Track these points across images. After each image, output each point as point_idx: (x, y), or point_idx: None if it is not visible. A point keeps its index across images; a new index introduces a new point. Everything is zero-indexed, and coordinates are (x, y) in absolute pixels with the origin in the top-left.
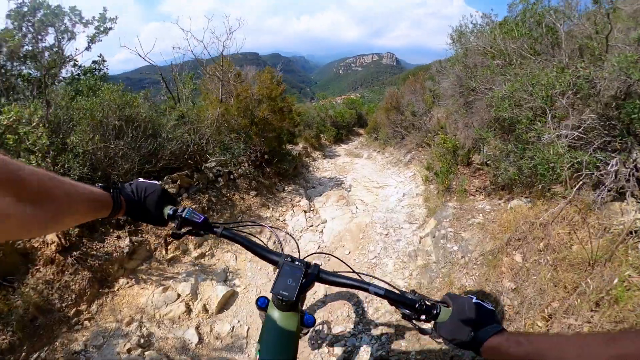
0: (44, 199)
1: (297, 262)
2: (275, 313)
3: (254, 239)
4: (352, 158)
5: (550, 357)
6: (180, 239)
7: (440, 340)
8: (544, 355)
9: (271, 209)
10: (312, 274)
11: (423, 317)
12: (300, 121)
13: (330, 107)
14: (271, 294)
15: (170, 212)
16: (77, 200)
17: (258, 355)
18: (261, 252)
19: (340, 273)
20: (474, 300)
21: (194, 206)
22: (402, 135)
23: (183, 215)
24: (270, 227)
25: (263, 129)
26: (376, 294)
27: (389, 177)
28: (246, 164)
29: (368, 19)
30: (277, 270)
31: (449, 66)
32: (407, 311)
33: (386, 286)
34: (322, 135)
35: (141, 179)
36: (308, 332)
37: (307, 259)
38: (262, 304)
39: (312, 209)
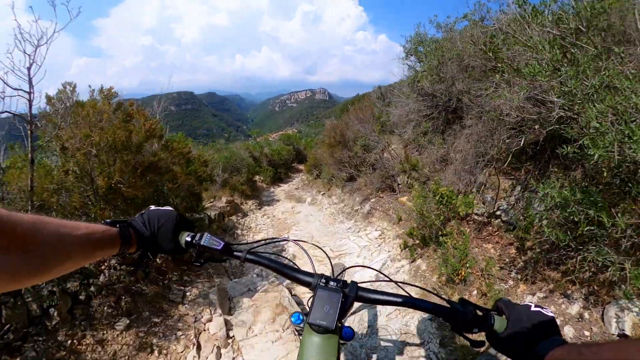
0: (31, 245)
1: (332, 283)
2: (314, 337)
3: (281, 258)
4: (293, 204)
5: None
6: (201, 267)
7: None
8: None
9: (156, 351)
10: (350, 296)
11: (475, 329)
12: (207, 174)
13: (265, 144)
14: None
15: (188, 239)
16: (71, 241)
17: None
18: (291, 273)
19: (379, 289)
20: (532, 308)
21: None
22: (353, 175)
23: (202, 243)
24: (295, 240)
25: (120, 200)
26: (424, 309)
27: (345, 237)
28: (113, 262)
29: (301, 56)
30: (312, 294)
31: (407, 85)
32: (457, 324)
33: (434, 299)
34: (258, 177)
35: (153, 207)
36: (345, 344)
37: (343, 275)
38: (297, 320)
39: (230, 339)
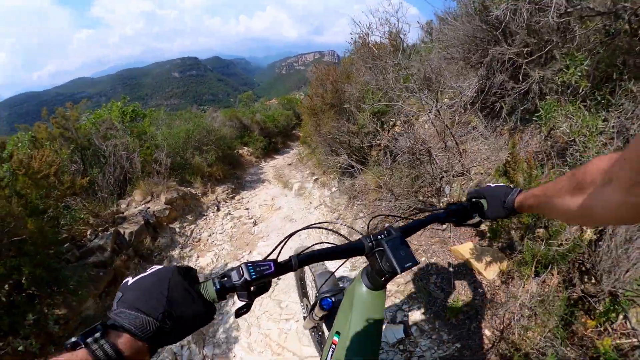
0: None
1: (383, 235)
2: (365, 293)
3: (325, 245)
4: (277, 191)
5: (543, 198)
6: (249, 310)
7: None
8: (540, 196)
9: None
10: (404, 236)
11: (474, 214)
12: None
13: (260, 109)
14: (361, 276)
15: (218, 287)
16: None
17: (337, 338)
18: (345, 250)
19: (410, 223)
20: (492, 185)
21: None
22: (354, 168)
23: (248, 279)
24: (308, 227)
25: None
26: (444, 218)
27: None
28: None
29: (308, 17)
30: (371, 253)
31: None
32: (461, 218)
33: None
34: (246, 148)
35: (131, 278)
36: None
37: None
38: (328, 305)
39: None
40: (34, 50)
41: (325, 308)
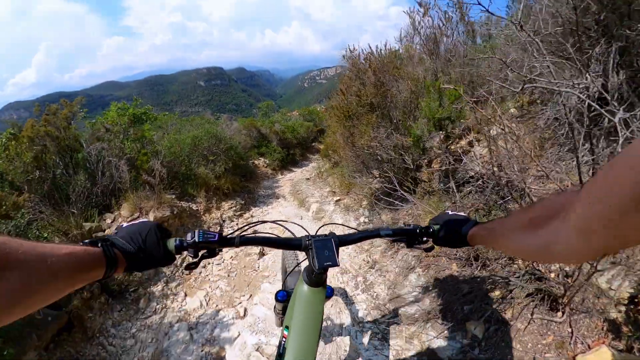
0: (6, 264)
1: (320, 236)
2: (305, 290)
3: (269, 234)
4: (291, 211)
5: (498, 232)
6: (197, 267)
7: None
8: (495, 230)
9: None
10: (337, 241)
11: (425, 238)
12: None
13: (279, 119)
14: (302, 273)
15: (177, 243)
16: (55, 260)
17: (287, 332)
18: (284, 242)
19: (350, 233)
20: (450, 213)
21: None
22: (398, 197)
23: (197, 240)
24: (274, 221)
25: None
26: (387, 235)
27: None
28: None
29: (331, 32)
30: (308, 250)
31: None
32: (411, 240)
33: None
34: (262, 159)
35: (125, 223)
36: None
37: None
38: (282, 297)
39: None
40: (67, 53)
41: (280, 300)
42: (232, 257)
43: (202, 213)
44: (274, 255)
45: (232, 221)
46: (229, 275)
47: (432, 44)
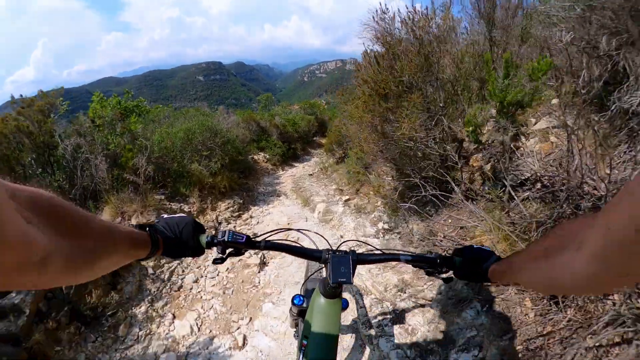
0: (85, 232)
1: (339, 252)
2: (322, 301)
3: (292, 242)
4: (293, 211)
5: (516, 266)
6: (223, 263)
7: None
8: (513, 264)
9: None
10: (354, 259)
11: (445, 269)
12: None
13: (280, 112)
14: (318, 284)
15: (208, 239)
16: (118, 235)
17: (305, 342)
18: (305, 252)
19: (371, 252)
20: (475, 247)
21: None
22: (435, 208)
23: (226, 239)
24: (298, 229)
25: None
26: (406, 261)
27: None
28: None
29: (331, 26)
30: (326, 263)
31: None
32: (431, 268)
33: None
34: (262, 154)
35: (166, 215)
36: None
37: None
38: (299, 301)
39: None
40: (65, 49)
41: (296, 305)
42: (228, 269)
43: (195, 215)
44: (276, 268)
45: (229, 223)
46: (224, 292)
47: (487, 3)
